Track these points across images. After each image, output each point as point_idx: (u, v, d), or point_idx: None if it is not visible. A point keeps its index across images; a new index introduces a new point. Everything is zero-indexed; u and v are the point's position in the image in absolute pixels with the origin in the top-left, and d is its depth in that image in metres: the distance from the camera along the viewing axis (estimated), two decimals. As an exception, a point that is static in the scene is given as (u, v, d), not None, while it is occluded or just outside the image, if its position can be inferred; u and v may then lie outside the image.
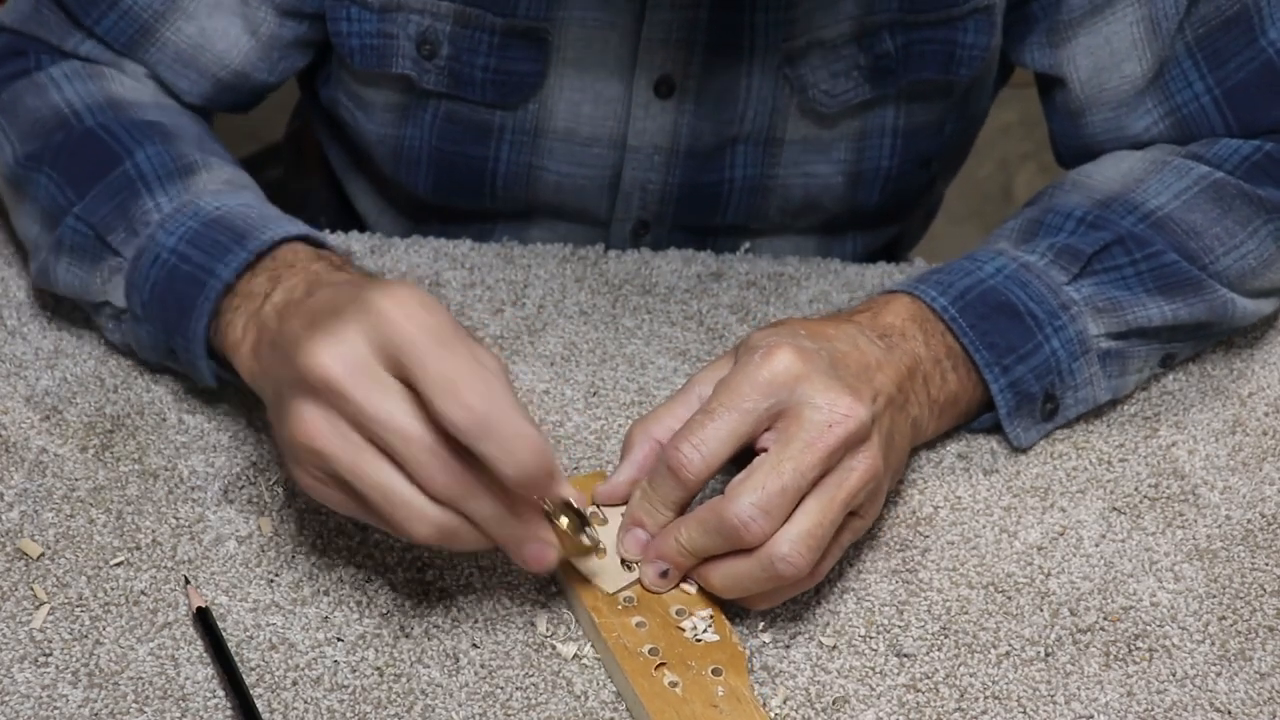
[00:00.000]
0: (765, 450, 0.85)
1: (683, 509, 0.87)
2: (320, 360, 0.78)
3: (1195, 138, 1.06)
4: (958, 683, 0.87)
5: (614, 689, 0.85)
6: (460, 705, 0.84)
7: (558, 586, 0.90)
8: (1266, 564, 0.94)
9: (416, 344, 0.77)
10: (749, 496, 0.83)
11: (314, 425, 0.78)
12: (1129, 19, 1.04)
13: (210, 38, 1.06)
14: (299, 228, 0.94)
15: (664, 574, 0.86)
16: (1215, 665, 0.88)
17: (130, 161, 0.98)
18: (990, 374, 0.95)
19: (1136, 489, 0.97)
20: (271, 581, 0.89)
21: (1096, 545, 0.94)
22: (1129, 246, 0.99)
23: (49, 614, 0.87)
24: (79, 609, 0.88)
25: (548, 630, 0.87)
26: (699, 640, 0.85)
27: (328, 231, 1.11)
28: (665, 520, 0.86)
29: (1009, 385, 0.95)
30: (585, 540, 0.85)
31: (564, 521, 0.83)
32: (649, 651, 0.84)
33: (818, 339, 0.88)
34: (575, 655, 0.86)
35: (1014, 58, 1.12)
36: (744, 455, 0.86)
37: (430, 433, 0.77)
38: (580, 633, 0.88)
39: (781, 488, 0.83)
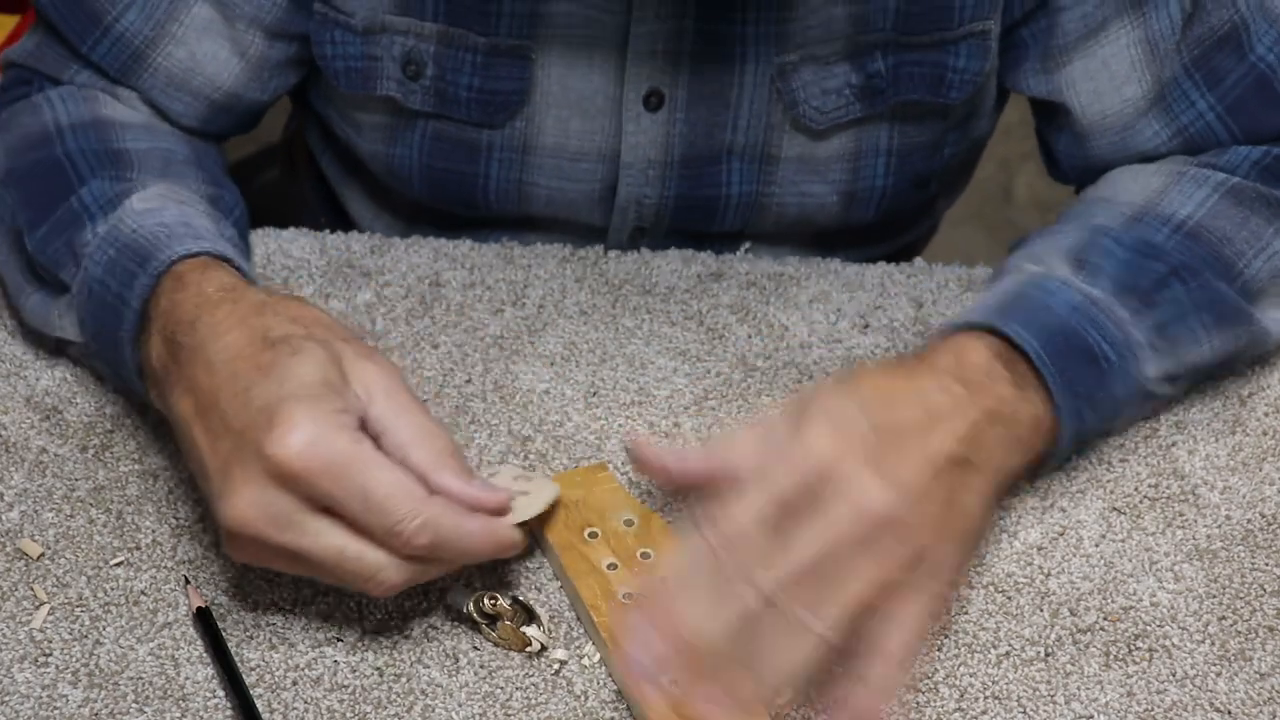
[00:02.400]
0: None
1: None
2: (239, 517, 0.81)
3: (1204, 151, 1.06)
4: (958, 683, 0.87)
5: (614, 688, 0.85)
6: (460, 705, 0.84)
7: (558, 582, 0.90)
8: (1266, 564, 0.94)
9: (336, 498, 0.81)
10: (776, 577, 0.79)
11: (248, 551, 0.83)
12: (1124, 41, 1.04)
13: (200, 61, 1.07)
14: (199, 245, 0.92)
15: (645, 667, 0.80)
16: (1215, 665, 0.88)
17: (75, 196, 0.98)
18: (1067, 423, 0.92)
19: (1136, 489, 0.97)
20: (271, 581, 0.89)
21: (1096, 545, 0.94)
22: (1183, 276, 0.97)
23: (49, 614, 0.88)
24: (79, 609, 0.88)
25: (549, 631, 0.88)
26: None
27: (327, 232, 1.12)
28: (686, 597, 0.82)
29: (1076, 433, 0.94)
30: (528, 636, 0.86)
31: (511, 620, 0.86)
32: (649, 651, 0.85)
33: (873, 405, 0.85)
34: (566, 660, 0.86)
35: (1009, 85, 1.12)
36: None
37: (365, 560, 0.82)
38: (577, 634, 0.88)
39: (798, 569, 0.79)
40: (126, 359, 0.92)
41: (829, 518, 0.80)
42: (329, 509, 0.81)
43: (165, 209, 0.96)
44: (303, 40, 1.09)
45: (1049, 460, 0.95)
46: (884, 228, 1.21)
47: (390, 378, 0.85)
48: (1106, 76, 1.06)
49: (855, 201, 1.14)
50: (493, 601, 0.86)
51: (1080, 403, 0.93)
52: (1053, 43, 1.06)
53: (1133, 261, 0.97)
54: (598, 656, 0.87)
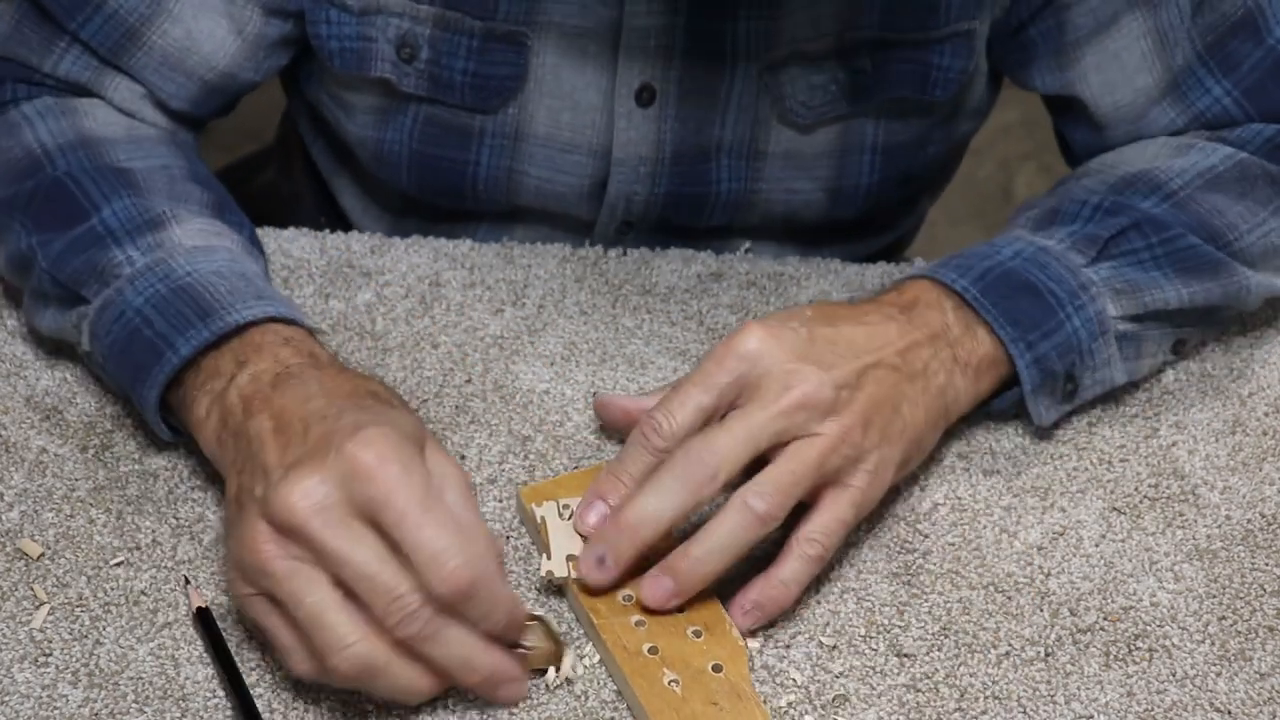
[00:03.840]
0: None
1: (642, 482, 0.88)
2: (290, 501, 0.79)
3: (1222, 129, 1.08)
4: (958, 683, 0.87)
5: (614, 688, 0.85)
6: (460, 705, 0.84)
7: (556, 585, 0.90)
8: (1266, 564, 0.94)
9: (394, 505, 0.79)
10: (706, 444, 0.86)
11: (267, 547, 0.80)
12: (1135, 33, 1.06)
13: (197, 40, 1.06)
14: (268, 308, 0.92)
15: (601, 560, 0.86)
16: (1215, 665, 0.88)
17: (98, 217, 0.97)
18: (1015, 349, 0.95)
19: (1136, 489, 0.97)
20: (271, 581, 0.89)
21: (1096, 545, 0.94)
22: (1145, 230, 1.00)
23: (49, 614, 0.88)
24: (79, 609, 0.88)
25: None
26: (699, 636, 0.85)
27: (327, 232, 1.11)
28: (627, 491, 0.88)
29: (1034, 361, 0.96)
30: (552, 648, 0.85)
31: (536, 635, 0.85)
32: (648, 651, 0.84)
33: (814, 321, 0.91)
34: (563, 681, 0.86)
35: (1021, 83, 1.13)
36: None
37: (401, 581, 0.79)
38: (578, 634, 0.88)
39: (733, 440, 0.86)
40: (143, 391, 0.91)
41: (760, 399, 0.87)
42: (378, 528, 0.79)
43: (215, 252, 0.96)
44: (298, 18, 1.08)
45: (1025, 396, 0.97)
46: (868, 225, 1.22)
47: (465, 478, 0.84)
48: (1118, 68, 1.07)
49: (840, 197, 1.15)
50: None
51: (1027, 330, 0.96)
52: (1064, 40, 1.07)
53: (1093, 219, 1.00)
54: (598, 657, 0.87)
